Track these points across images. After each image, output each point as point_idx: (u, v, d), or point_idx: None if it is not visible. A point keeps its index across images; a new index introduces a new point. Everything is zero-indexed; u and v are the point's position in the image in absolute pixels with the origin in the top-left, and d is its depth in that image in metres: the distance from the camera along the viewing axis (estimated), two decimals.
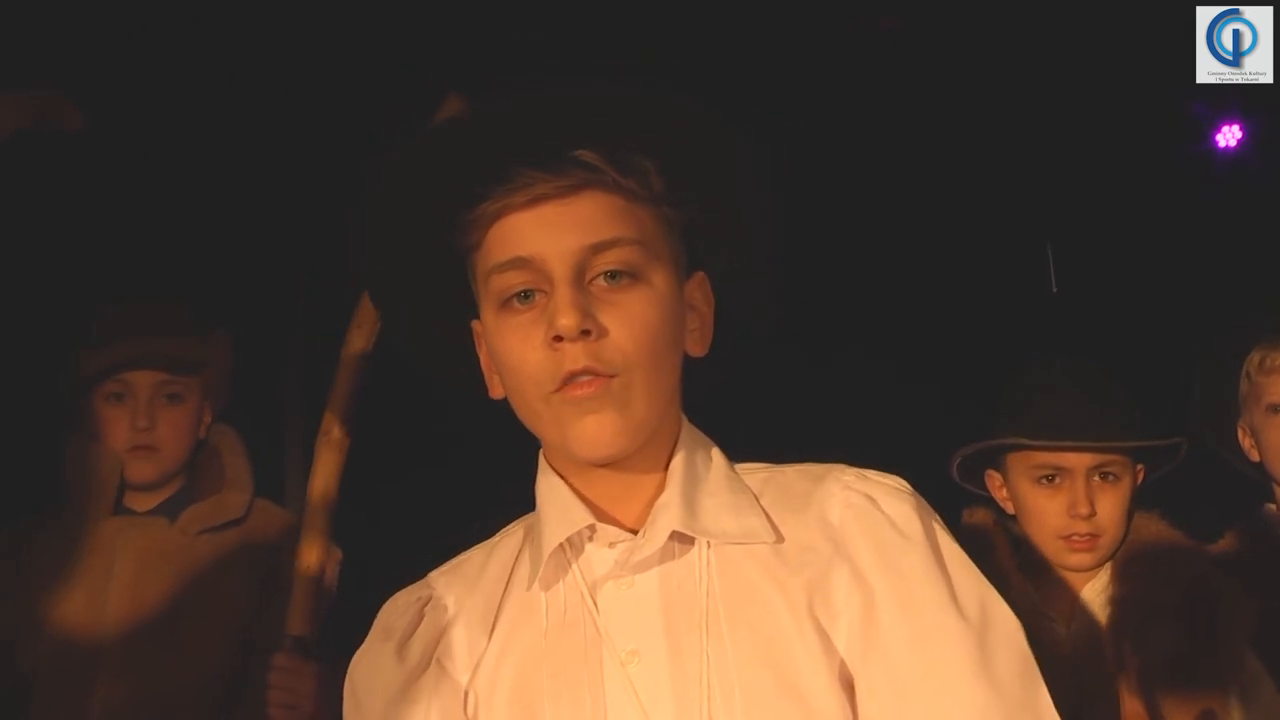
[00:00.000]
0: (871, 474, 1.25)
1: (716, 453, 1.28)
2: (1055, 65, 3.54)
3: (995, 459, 2.00)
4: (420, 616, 1.27)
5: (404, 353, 1.38)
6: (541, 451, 1.28)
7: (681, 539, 1.20)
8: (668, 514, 1.20)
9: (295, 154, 3.18)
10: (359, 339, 1.84)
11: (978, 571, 1.20)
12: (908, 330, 3.53)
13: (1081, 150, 3.71)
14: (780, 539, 1.20)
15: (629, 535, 1.22)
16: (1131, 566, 1.90)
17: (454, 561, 1.33)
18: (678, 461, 1.24)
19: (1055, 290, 3.93)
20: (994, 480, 2.00)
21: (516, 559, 1.28)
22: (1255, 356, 2.12)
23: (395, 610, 1.30)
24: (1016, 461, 1.95)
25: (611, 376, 1.16)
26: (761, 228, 1.30)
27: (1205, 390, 2.21)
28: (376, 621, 1.30)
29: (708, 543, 1.20)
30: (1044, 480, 1.91)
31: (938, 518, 1.23)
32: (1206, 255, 3.70)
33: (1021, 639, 1.17)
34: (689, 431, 1.27)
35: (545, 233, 1.18)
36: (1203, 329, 2.33)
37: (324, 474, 1.86)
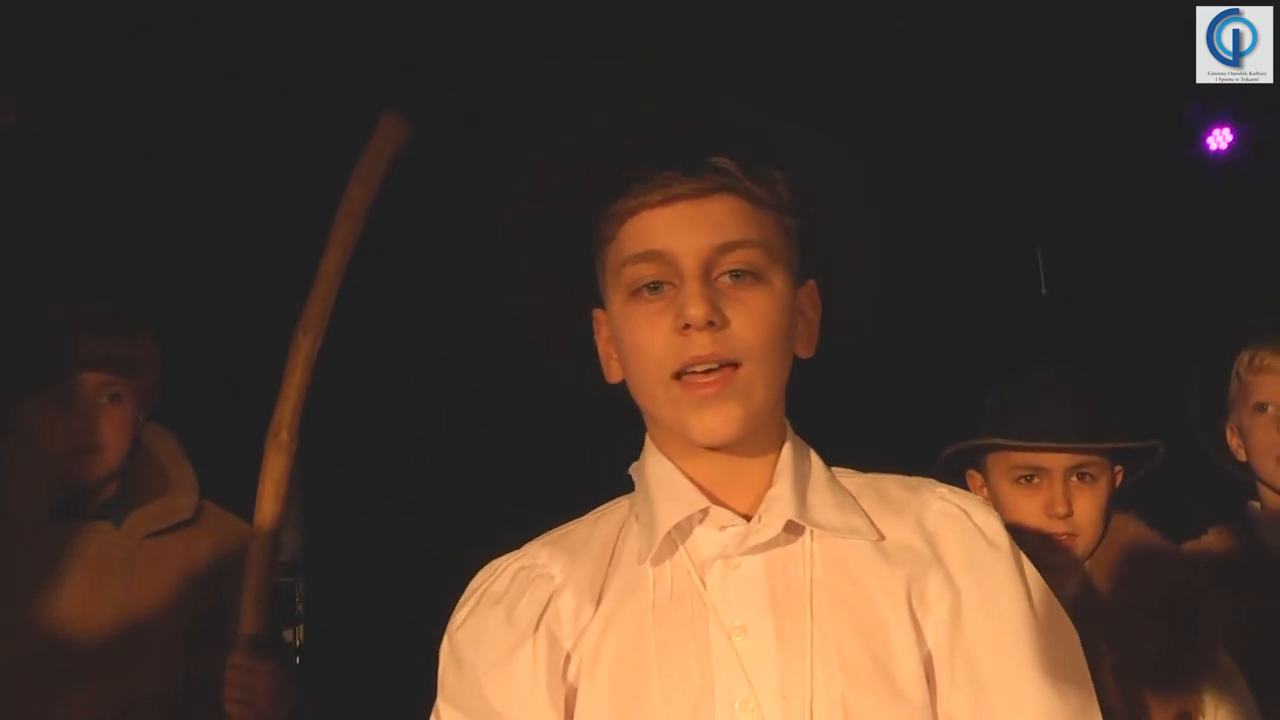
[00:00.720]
0: (960, 490, 1.38)
1: (814, 454, 1.37)
2: (1050, 67, 3.54)
3: (976, 459, 2.01)
4: (527, 583, 1.34)
5: (523, 341, 1.44)
6: (648, 434, 1.37)
7: (790, 528, 1.29)
8: (781, 505, 1.29)
9: (294, 156, 3.18)
10: (306, 343, 1.89)
11: (1046, 585, 1.32)
12: (898, 330, 3.53)
13: (1072, 152, 3.71)
14: (881, 537, 1.30)
15: (740, 520, 1.30)
16: (1109, 566, 1.92)
17: (555, 533, 1.39)
18: (786, 457, 1.33)
19: (1045, 291, 3.94)
20: (974, 480, 2.01)
21: (619, 534, 1.35)
22: (1245, 356, 2.13)
23: (499, 576, 1.36)
24: (996, 462, 1.96)
25: (735, 366, 1.26)
26: (874, 244, 1.41)
27: (1202, 390, 2.21)
28: (475, 587, 1.37)
29: (812, 533, 1.29)
30: (1022, 480, 1.93)
31: None
32: (1196, 257, 3.69)
33: (1080, 649, 1.30)
34: (792, 432, 1.37)
35: (679, 230, 1.27)
36: (1190, 331, 2.33)
37: (273, 475, 1.91)
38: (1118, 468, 1.96)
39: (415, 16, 3.21)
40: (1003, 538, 1.31)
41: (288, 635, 2.04)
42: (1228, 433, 2.18)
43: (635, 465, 1.39)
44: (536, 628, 1.30)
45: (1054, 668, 1.25)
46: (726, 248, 1.27)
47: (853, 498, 1.34)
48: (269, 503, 1.91)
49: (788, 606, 1.26)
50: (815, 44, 3.45)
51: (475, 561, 1.40)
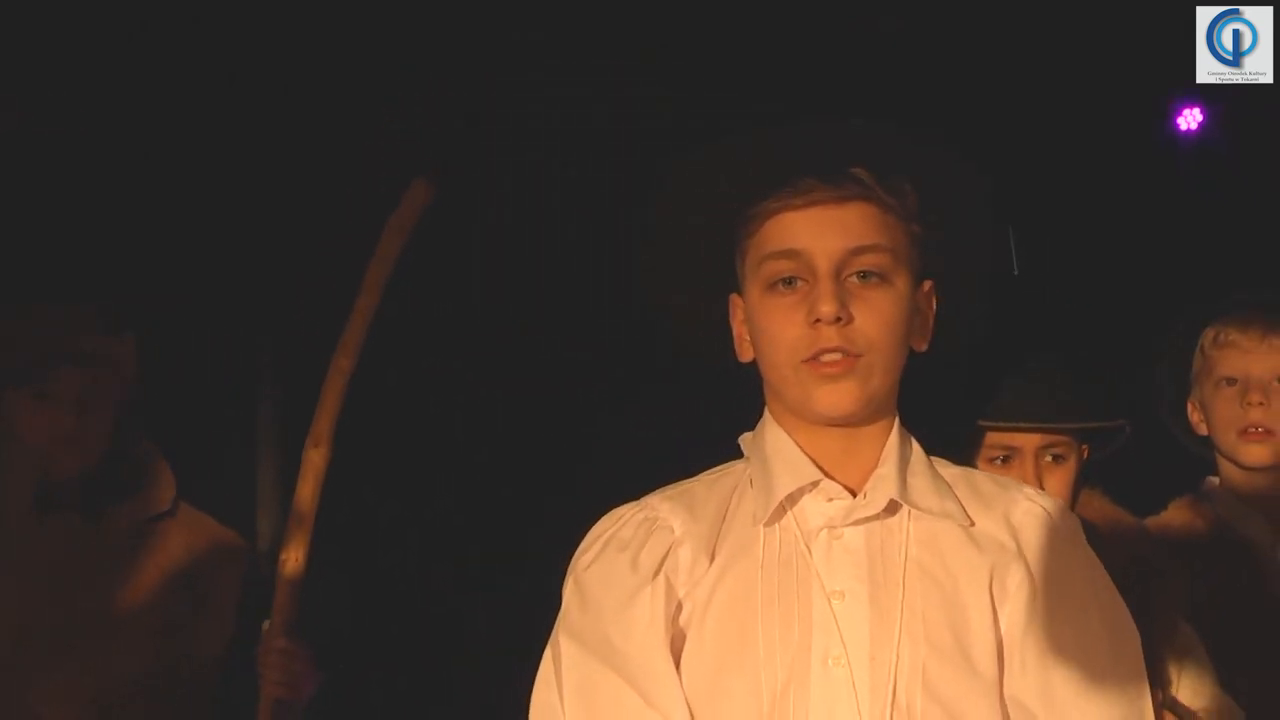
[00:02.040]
0: (1043, 493, 1.54)
1: (916, 443, 1.51)
2: (1036, 57, 3.54)
3: (950, 438, 2.01)
4: (650, 533, 1.45)
5: (658, 327, 1.60)
6: (768, 408, 1.51)
7: (891, 506, 1.43)
8: (887, 484, 1.43)
9: (294, 156, 3.18)
10: (345, 363, 2.05)
11: (1114, 585, 1.46)
12: None
13: (1043, 134, 3.70)
14: (971, 524, 1.44)
15: (846, 494, 1.44)
16: None
17: (674, 489, 1.52)
18: (893, 442, 1.47)
19: (1017, 273, 3.93)
20: None
21: (734, 496, 1.48)
22: (1210, 332, 2.16)
23: (625, 525, 1.48)
24: (969, 442, 1.97)
25: (858, 356, 1.40)
26: (989, 253, 1.57)
27: (1167, 366, 2.23)
28: (601, 533, 1.49)
29: (909, 513, 1.43)
30: (997, 460, 1.92)
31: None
32: (1167, 237, 3.69)
33: (1139, 647, 1.43)
34: (899, 421, 1.50)
35: (816, 232, 1.42)
36: (1163, 311, 2.34)
37: (311, 480, 2.05)
38: (1084, 446, 1.97)
39: (415, 16, 3.20)
40: (1080, 539, 1.47)
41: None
42: (1189, 408, 2.20)
43: (748, 435, 1.53)
44: (656, 574, 1.41)
45: (1115, 660, 1.40)
46: (858, 251, 1.41)
47: (948, 485, 1.47)
48: (307, 503, 2.05)
49: (883, 577, 1.38)
50: (815, 44, 3.44)
51: (465, 552, 1.44)
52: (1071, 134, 3.71)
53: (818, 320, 1.39)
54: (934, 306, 1.53)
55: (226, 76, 3.10)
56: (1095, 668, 1.37)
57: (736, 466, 1.53)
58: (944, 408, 1.92)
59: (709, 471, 1.54)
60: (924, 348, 1.51)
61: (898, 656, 1.34)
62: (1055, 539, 1.44)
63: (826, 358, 1.40)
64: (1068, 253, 3.80)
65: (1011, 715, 1.38)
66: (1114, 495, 2.01)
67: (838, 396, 1.40)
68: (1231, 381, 2.12)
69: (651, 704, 1.36)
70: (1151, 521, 2.15)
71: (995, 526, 1.44)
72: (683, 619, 1.40)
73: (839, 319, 1.38)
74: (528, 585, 1.47)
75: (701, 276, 1.54)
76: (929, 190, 1.47)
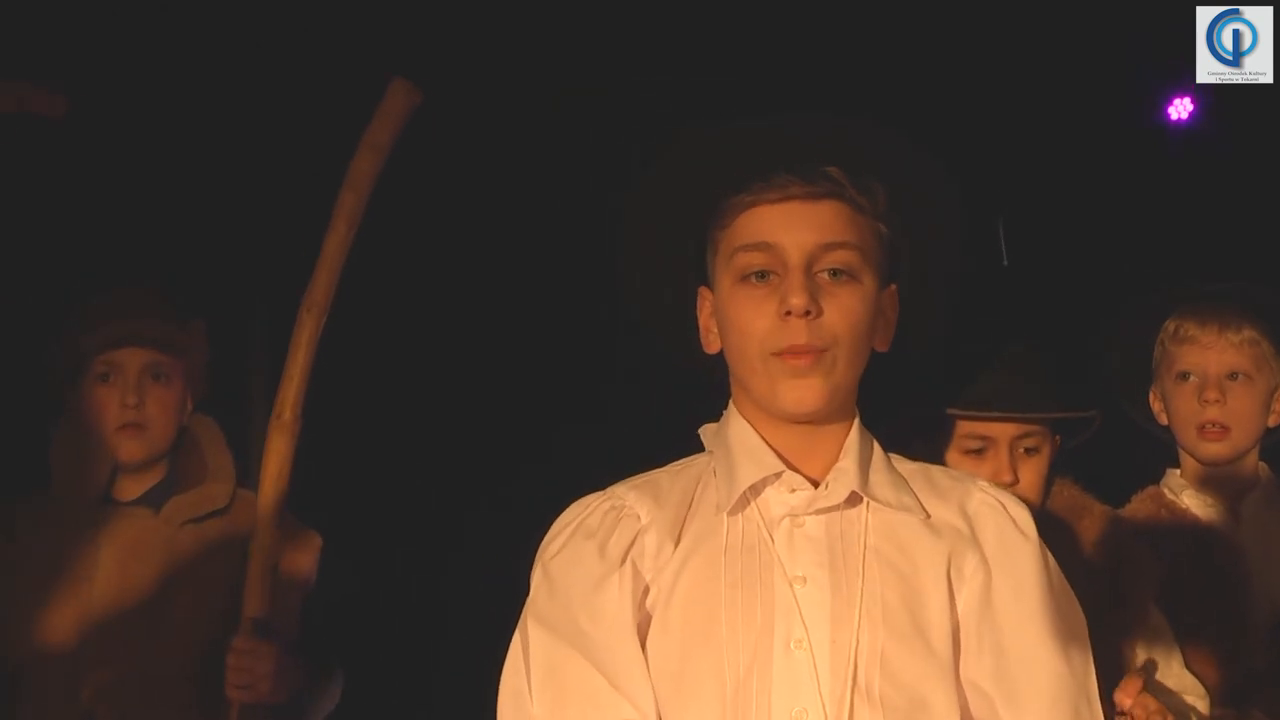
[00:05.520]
0: (997, 486, 1.60)
1: (876, 442, 1.57)
2: (1026, 45, 3.54)
3: (924, 429, 2.00)
4: (617, 521, 1.50)
5: (633, 314, 1.63)
6: (733, 400, 1.56)
7: (851, 498, 1.48)
8: (847, 477, 1.48)
9: (294, 155, 3.19)
10: (310, 322, 1.89)
11: (1062, 573, 1.52)
12: None
13: (1034, 124, 3.69)
14: (928, 516, 1.50)
15: (808, 485, 1.49)
16: (1048, 529, 1.96)
17: (640, 479, 1.56)
18: (853, 437, 1.52)
19: (1006, 264, 3.90)
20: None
21: (699, 486, 1.52)
22: (1170, 325, 2.17)
23: (592, 513, 1.52)
24: (945, 433, 1.98)
25: (824, 350, 1.44)
26: (956, 257, 1.60)
27: (1123, 355, 2.25)
28: (568, 521, 1.52)
29: (868, 505, 1.48)
30: (971, 452, 1.96)
31: None
32: (1155, 227, 3.68)
33: (1085, 629, 1.50)
34: (859, 419, 1.55)
35: (789, 227, 1.46)
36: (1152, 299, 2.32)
37: (276, 457, 1.93)
38: (1056, 436, 2.00)
39: (415, 17, 3.22)
40: (1032, 530, 1.51)
41: None
42: (1151, 397, 2.22)
43: (710, 427, 1.58)
44: (624, 561, 1.45)
45: (1064, 642, 1.45)
46: (829, 246, 1.45)
47: (905, 481, 1.53)
48: (272, 484, 1.94)
49: (843, 565, 1.44)
50: (815, 44, 3.45)
51: (470, 540, 1.46)
52: (1063, 122, 3.70)
53: (788, 313, 1.43)
54: (897, 309, 1.57)
55: (226, 74, 3.12)
56: (1046, 647, 1.44)
57: (700, 458, 1.57)
58: (919, 399, 1.93)
59: (674, 464, 1.59)
60: (885, 349, 1.55)
61: (858, 640, 1.40)
62: (1010, 528, 1.50)
63: (794, 351, 1.44)
64: (1054, 241, 3.79)
65: (968, 697, 1.44)
66: (1084, 484, 2.05)
67: (802, 392, 1.45)
68: (1188, 376, 2.13)
69: (618, 687, 1.40)
70: (1119, 512, 2.16)
71: (952, 515, 1.50)
72: (648, 602, 1.45)
73: (809, 312, 1.42)
74: (501, 574, 1.47)
75: (673, 266, 1.57)
76: (899, 192, 1.51)
